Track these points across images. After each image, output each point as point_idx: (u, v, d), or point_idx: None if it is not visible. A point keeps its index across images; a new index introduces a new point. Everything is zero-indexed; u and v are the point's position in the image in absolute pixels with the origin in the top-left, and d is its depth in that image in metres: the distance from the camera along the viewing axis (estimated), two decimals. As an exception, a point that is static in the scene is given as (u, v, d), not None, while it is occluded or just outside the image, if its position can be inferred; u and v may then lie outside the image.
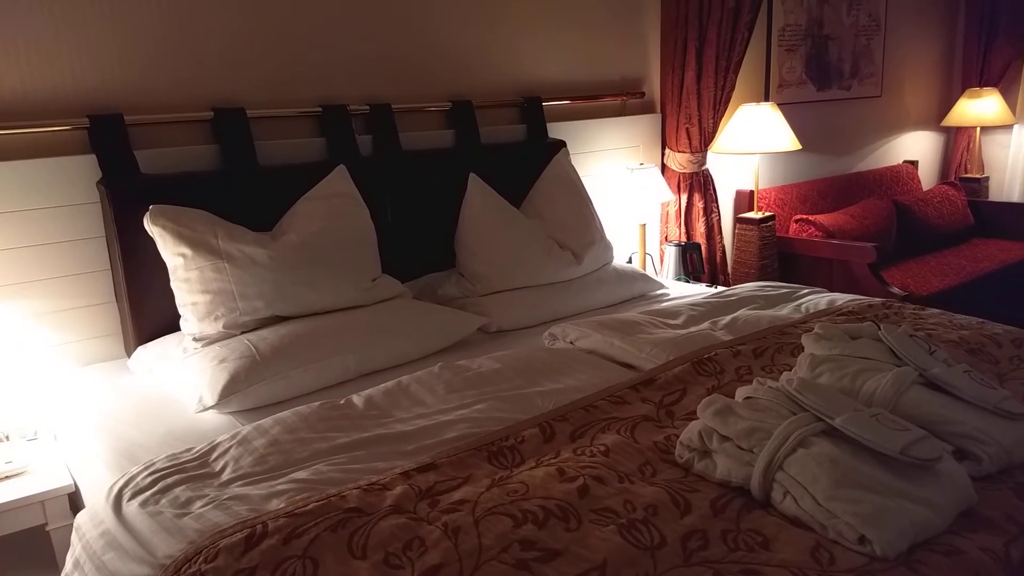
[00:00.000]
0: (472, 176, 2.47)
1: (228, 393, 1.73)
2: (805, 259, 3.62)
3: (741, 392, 1.43)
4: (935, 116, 4.85)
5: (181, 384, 1.84)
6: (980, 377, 1.42)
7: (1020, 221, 4.25)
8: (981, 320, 2.05)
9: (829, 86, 4.16)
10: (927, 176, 4.88)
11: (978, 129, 4.61)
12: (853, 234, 3.68)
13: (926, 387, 1.41)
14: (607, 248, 2.57)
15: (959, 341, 1.86)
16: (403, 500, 1.25)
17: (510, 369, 1.78)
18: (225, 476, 1.39)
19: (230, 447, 1.47)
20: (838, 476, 1.17)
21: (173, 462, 1.43)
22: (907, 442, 1.19)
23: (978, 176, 4.60)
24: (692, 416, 1.55)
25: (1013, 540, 1.13)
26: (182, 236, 1.96)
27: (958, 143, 4.74)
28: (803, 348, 1.86)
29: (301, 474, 1.37)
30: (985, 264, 3.81)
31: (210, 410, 1.74)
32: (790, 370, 1.73)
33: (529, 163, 2.76)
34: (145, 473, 1.39)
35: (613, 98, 3.19)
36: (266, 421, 1.55)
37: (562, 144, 2.87)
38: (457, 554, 1.11)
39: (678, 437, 1.45)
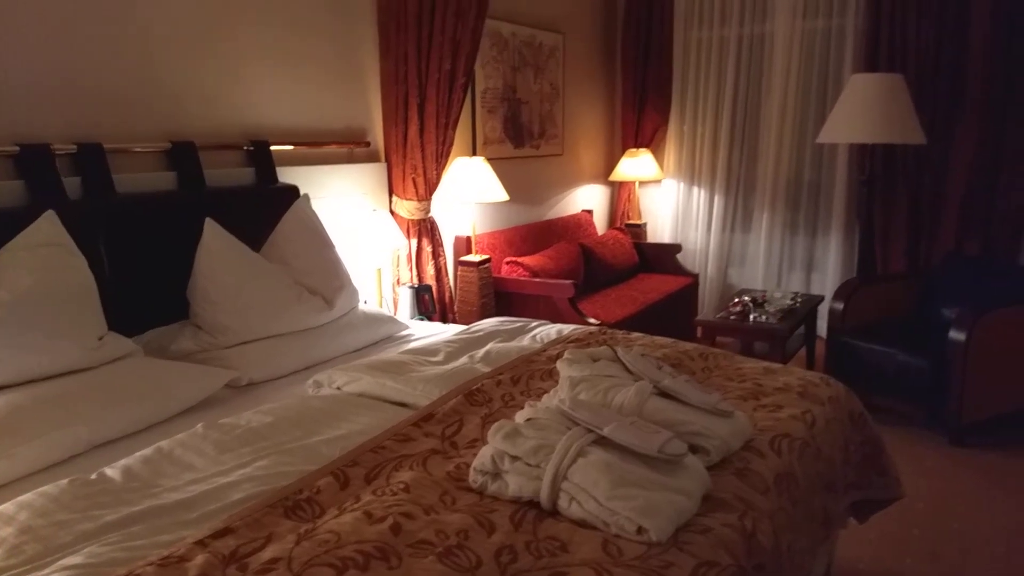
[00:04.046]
0: (209, 221, 2.34)
1: (-65, 482, 1.44)
2: (517, 296, 3.99)
3: (521, 415, 1.58)
4: (603, 172, 5.67)
5: None
6: (697, 385, 1.75)
7: (671, 259, 5.14)
8: (674, 340, 2.48)
9: (523, 144, 4.66)
10: (600, 222, 5.66)
11: (636, 183, 5.49)
12: (552, 273, 4.15)
13: (660, 396, 1.70)
14: (354, 292, 2.61)
15: (663, 358, 2.24)
16: (208, 569, 1.17)
17: (284, 421, 1.73)
18: (-30, 577, 1.17)
19: (-34, 543, 1.23)
20: (614, 478, 1.37)
21: None
22: (661, 442, 1.44)
23: (638, 222, 5.47)
24: (474, 444, 1.67)
25: (744, 514, 1.42)
26: None
27: (621, 195, 5.59)
28: (550, 372, 2.11)
29: (73, 560, 1.20)
30: (652, 295, 4.53)
31: (-90, 506, 1.43)
32: (546, 393, 1.93)
33: (260, 208, 2.69)
34: None
35: (339, 145, 3.25)
36: (7, 507, 1.33)
37: (295, 189, 2.85)
38: (289, 610, 1.08)
39: (466, 465, 1.55)
